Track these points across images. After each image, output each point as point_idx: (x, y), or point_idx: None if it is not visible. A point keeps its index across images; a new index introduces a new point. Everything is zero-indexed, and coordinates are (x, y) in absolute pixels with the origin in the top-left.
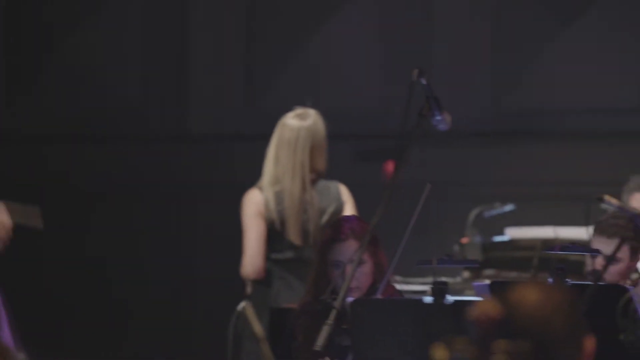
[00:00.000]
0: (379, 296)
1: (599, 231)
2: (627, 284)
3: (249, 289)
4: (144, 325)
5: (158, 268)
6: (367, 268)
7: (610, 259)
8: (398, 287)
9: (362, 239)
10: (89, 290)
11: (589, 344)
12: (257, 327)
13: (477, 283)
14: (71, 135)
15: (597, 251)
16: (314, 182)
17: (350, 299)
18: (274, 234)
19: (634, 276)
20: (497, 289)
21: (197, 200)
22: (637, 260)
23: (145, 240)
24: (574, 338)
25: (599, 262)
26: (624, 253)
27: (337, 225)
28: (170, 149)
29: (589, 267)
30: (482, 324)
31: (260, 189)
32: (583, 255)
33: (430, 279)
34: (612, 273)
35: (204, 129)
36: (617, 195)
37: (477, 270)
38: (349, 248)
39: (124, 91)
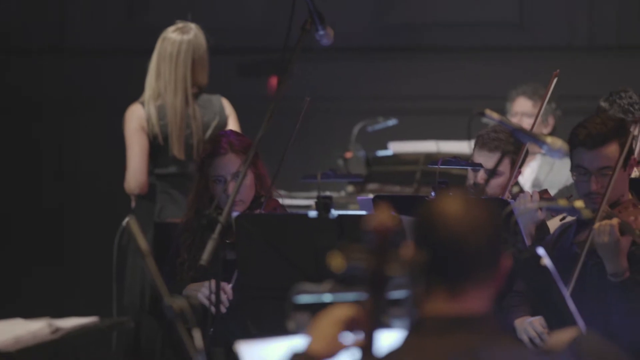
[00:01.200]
0: (262, 211)
1: (480, 145)
2: (507, 197)
3: (133, 204)
4: (28, 239)
5: (40, 182)
6: (248, 180)
7: (492, 173)
8: (282, 201)
9: (241, 153)
10: None
11: (505, 261)
12: (142, 242)
13: (361, 197)
14: None
15: (479, 165)
16: (196, 96)
17: (235, 214)
18: (157, 149)
19: (515, 189)
20: (382, 202)
21: (78, 115)
22: (518, 174)
23: (27, 155)
24: (490, 254)
25: (481, 175)
26: (505, 166)
27: (215, 141)
28: (50, 63)
29: (470, 181)
30: (379, 233)
31: (142, 103)
32: (465, 169)
33: (314, 194)
34: (494, 186)
35: (84, 43)
36: (499, 110)
37: (361, 185)
38: (229, 162)
39: (1, 3)
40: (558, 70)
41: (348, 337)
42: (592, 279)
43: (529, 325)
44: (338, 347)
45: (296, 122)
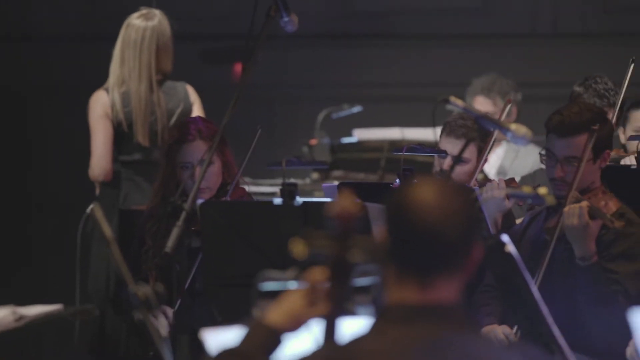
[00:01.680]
0: (228, 198)
1: (447, 132)
2: (474, 184)
3: (97, 191)
4: None
5: (4, 170)
6: (216, 168)
7: (458, 159)
8: (248, 188)
9: (208, 139)
10: None
11: (477, 251)
12: (106, 229)
13: (326, 184)
14: None
15: (444, 152)
16: (160, 82)
17: (200, 201)
18: (122, 136)
19: (479, 176)
20: (346, 189)
21: (41, 103)
22: (485, 161)
23: None
24: (463, 244)
25: (447, 162)
26: (472, 154)
27: (184, 127)
28: (13, 51)
29: (436, 168)
30: (342, 220)
31: (107, 90)
32: (430, 156)
33: (279, 181)
34: (460, 173)
35: (48, 30)
36: (463, 97)
37: (325, 172)
38: (197, 149)
39: None
40: (511, 99)
41: (311, 310)
42: (561, 265)
43: (493, 333)
44: (300, 321)
45: (263, 111)
